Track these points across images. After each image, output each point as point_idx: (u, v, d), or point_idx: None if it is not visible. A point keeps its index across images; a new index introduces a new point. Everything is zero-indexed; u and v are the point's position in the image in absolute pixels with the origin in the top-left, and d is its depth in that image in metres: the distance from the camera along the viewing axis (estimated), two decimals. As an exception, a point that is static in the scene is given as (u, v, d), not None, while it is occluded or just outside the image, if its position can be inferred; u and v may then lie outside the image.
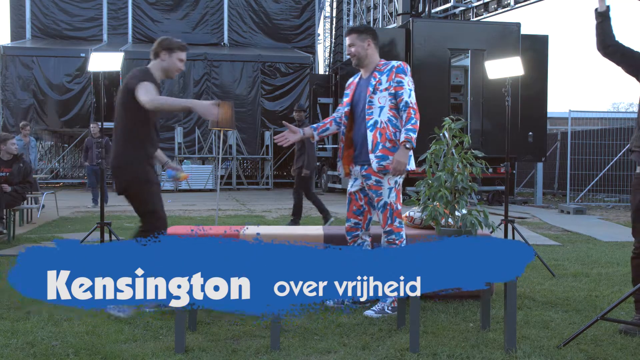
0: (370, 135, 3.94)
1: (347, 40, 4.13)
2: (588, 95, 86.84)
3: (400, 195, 4.03)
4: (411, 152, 3.98)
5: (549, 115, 14.84)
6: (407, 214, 4.89)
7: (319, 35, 25.18)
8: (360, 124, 4.05)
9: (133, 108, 3.98)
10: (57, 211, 10.91)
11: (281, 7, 21.86)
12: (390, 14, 21.46)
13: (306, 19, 22.15)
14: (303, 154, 8.73)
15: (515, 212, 11.21)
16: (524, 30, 13.62)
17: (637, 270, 3.74)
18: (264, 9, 21.69)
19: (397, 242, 3.96)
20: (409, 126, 3.86)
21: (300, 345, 3.35)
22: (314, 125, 4.27)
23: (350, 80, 4.27)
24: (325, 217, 8.71)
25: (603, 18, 3.69)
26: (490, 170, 3.66)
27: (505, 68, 5.88)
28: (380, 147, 3.92)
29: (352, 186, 4.18)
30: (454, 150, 3.74)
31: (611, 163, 14.03)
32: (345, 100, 4.21)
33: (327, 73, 24.49)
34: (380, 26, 21.34)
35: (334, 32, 26.32)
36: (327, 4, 27.00)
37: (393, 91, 3.95)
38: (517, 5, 15.93)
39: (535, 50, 13.70)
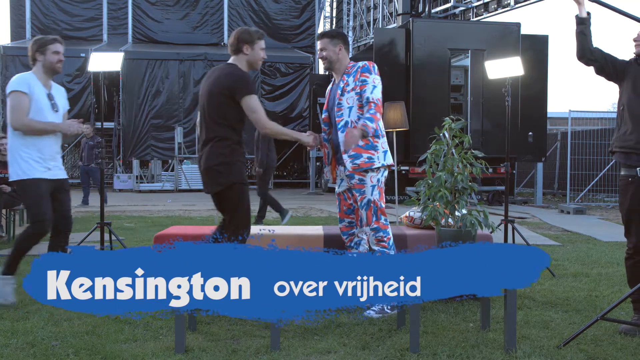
0: (342, 137, 4.01)
1: (318, 45, 4.20)
2: (588, 95, 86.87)
3: (383, 194, 4.07)
4: (387, 148, 4.03)
5: (549, 115, 14.84)
6: (407, 214, 4.89)
7: (319, 35, 25.18)
8: (335, 129, 4.13)
9: (234, 111, 3.83)
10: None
11: (281, 7, 21.85)
12: (390, 14, 21.46)
13: (306, 19, 22.15)
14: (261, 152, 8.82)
15: (515, 212, 11.21)
16: (524, 30, 13.61)
17: (631, 271, 3.76)
18: (263, 9, 21.68)
19: (385, 239, 3.98)
20: (367, 115, 3.93)
21: (300, 345, 3.35)
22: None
23: (328, 88, 4.34)
24: (281, 214, 8.92)
25: (584, 24, 3.72)
26: (490, 170, 3.66)
27: (505, 68, 5.88)
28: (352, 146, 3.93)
29: (339, 187, 4.25)
30: (454, 150, 3.74)
31: (611, 163, 14.04)
32: (324, 107, 4.31)
33: (327, 73, 24.49)
34: (380, 26, 21.34)
35: (334, 32, 26.32)
36: (327, 4, 26.99)
37: (359, 90, 4.02)
38: (517, 5, 15.92)
39: (535, 50, 13.70)
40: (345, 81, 4.09)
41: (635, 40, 3.70)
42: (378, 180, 4.02)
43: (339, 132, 4.04)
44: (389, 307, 3.97)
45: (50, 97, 4.29)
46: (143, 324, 3.72)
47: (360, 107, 4.02)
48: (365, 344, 3.38)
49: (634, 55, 3.72)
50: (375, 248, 4.01)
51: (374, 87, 4.01)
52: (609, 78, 3.78)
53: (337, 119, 4.08)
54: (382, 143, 4.06)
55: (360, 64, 4.09)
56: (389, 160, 4.07)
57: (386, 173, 4.10)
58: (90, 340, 3.42)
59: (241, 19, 21.31)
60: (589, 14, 3.74)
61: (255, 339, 3.45)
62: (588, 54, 3.71)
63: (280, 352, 3.24)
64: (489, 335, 3.56)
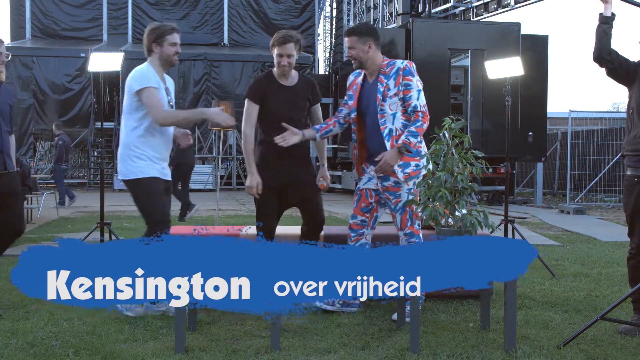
0: (388, 145, 3.83)
1: (346, 42, 3.98)
2: (588, 95, 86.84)
3: (418, 198, 3.91)
4: (417, 159, 3.85)
5: (549, 115, 14.83)
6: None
7: (318, 35, 25.17)
8: (374, 133, 3.93)
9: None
10: (57, 211, 10.91)
11: (281, 7, 21.85)
12: (390, 14, 21.45)
13: (306, 19, 22.15)
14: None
15: (515, 212, 11.21)
16: (524, 30, 13.61)
17: (633, 271, 3.76)
18: (263, 9, 21.68)
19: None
20: (412, 128, 3.77)
21: (300, 345, 3.35)
22: (317, 126, 4.14)
23: (352, 78, 4.12)
24: (186, 210, 9.02)
25: (607, 24, 3.67)
26: (490, 170, 3.65)
27: (505, 68, 5.88)
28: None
29: (365, 183, 4.04)
30: (454, 150, 3.74)
31: (611, 163, 14.04)
32: (350, 103, 4.05)
33: (327, 73, 24.47)
34: (380, 26, 21.33)
35: (334, 32, 26.29)
36: (327, 4, 26.98)
37: (402, 95, 3.83)
38: (517, 5, 15.90)
39: (535, 50, 13.70)
40: (384, 84, 3.85)
41: None
42: (414, 183, 3.88)
43: (385, 141, 3.84)
44: (340, 302, 3.96)
45: (167, 92, 4.14)
46: (143, 324, 3.72)
47: (404, 112, 3.85)
48: (365, 344, 3.38)
49: None
50: None
51: (419, 91, 3.83)
52: (620, 81, 3.75)
53: (381, 127, 3.86)
54: (424, 146, 3.94)
55: (400, 64, 3.86)
56: (409, 169, 3.91)
57: (421, 176, 3.92)
58: (90, 340, 3.42)
59: (241, 19, 21.32)
60: (613, 14, 3.69)
61: (256, 339, 3.45)
62: (606, 54, 3.67)
63: (281, 352, 3.24)
64: (489, 335, 3.56)
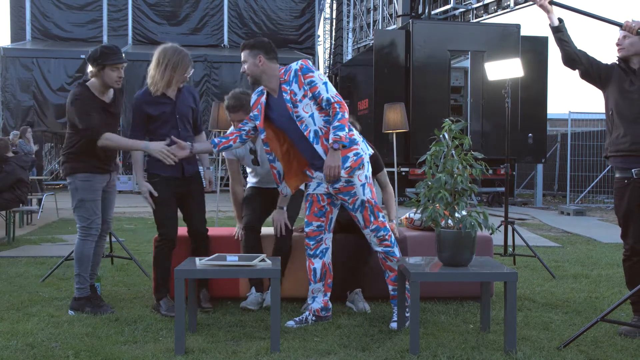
0: (319, 148, 3.71)
1: (241, 57, 3.84)
2: (588, 96, 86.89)
3: (374, 189, 3.85)
4: (361, 136, 3.83)
5: (548, 117, 14.85)
6: (406, 215, 4.89)
7: (319, 36, 25.17)
8: (302, 141, 3.77)
9: None
10: (57, 213, 10.90)
11: (281, 9, 21.84)
12: (390, 15, 21.45)
13: (306, 20, 22.15)
14: None
15: (515, 214, 11.21)
16: (523, 32, 13.63)
17: (630, 272, 3.78)
18: (264, 11, 21.68)
19: (387, 237, 3.80)
20: (335, 123, 3.61)
21: (300, 346, 3.35)
22: (215, 140, 3.91)
23: (254, 97, 3.90)
24: None
25: (560, 32, 3.75)
26: (490, 171, 3.65)
27: (505, 69, 5.88)
28: None
29: (315, 189, 3.89)
30: (454, 151, 3.74)
31: (611, 165, 14.02)
32: (257, 123, 3.83)
33: (327, 74, 24.50)
34: (380, 28, 21.34)
35: (333, 34, 26.31)
36: (327, 5, 26.99)
37: (310, 94, 3.67)
38: (516, 7, 15.90)
39: (535, 51, 13.71)
40: (288, 91, 3.69)
41: (617, 44, 3.73)
42: (366, 177, 3.78)
43: (314, 145, 3.71)
44: (312, 318, 3.88)
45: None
46: (143, 326, 3.72)
47: (320, 109, 3.71)
48: (365, 346, 3.38)
49: (617, 59, 3.76)
50: (379, 249, 3.83)
51: (325, 83, 3.67)
52: (593, 82, 3.81)
53: (305, 133, 3.69)
54: (356, 133, 3.85)
55: (295, 66, 3.71)
56: (368, 148, 3.88)
57: (370, 167, 3.85)
58: (90, 341, 3.41)
59: (241, 21, 21.32)
60: (561, 20, 3.77)
61: (255, 341, 3.45)
62: (573, 56, 3.74)
63: (281, 353, 3.24)
64: (489, 336, 3.56)
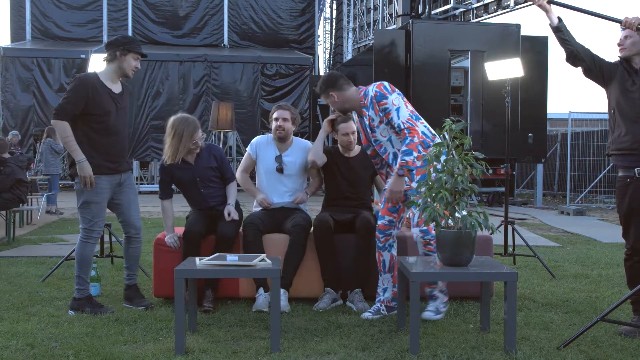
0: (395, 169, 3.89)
1: (322, 99, 4.15)
2: (588, 96, 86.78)
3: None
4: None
5: (549, 117, 14.82)
6: (407, 215, 4.88)
7: (319, 36, 25.16)
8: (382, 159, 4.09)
9: None
10: (57, 213, 10.90)
11: (281, 9, 21.83)
12: (390, 15, 21.44)
13: (306, 20, 22.14)
14: None
15: (515, 214, 11.21)
16: (524, 32, 13.61)
17: (630, 272, 3.78)
18: (264, 10, 21.67)
19: (432, 242, 3.84)
20: (403, 148, 3.80)
21: (300, 346, 3.35)
22: None
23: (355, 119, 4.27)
24: None
25: (560, 31, 3.77)
26: (490, 171, 3.66)
27: (505, 69, 5.88)
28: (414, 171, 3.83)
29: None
30: (454, 151, 3.74)
31: (611, 164, 14.01)
32: (362, 142, 4.24)
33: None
34: (380, 27, 21.33)
35: (333, 34, 26.31)
36: (327, 5, 26.98)
37: (386, 120, 3.90)
38: (516, 7, 15.89)
39: (535, 51, 13.69)
40: (367, 116, 3.95)
41: (619, 44, 3.73)
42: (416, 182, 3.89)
43: (393, 166, 3.93)
44: (384, 309, 3.97)
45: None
46: (143, 326, 3.72)
47: (397, 132, 3.89)
48: (365, 345, 3.38)
49: (619, 58, 3.76)
50: (422, 251, 3.90)
51: (397, 110, 3.86)
52: (595, 80, 3.83)
53: (383, 155, 4.01)
54: (425, 123, 4.00)
55: (371, 92, 3.91)
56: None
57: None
58: (90, 341, 3.41)
59: (241, 20, 21.32)
60: (560, 19, 3.79)
61: (256, 341, 3.45)
62: (575, 54, 3.76)
63: (280, 353, 3.24)
64: (489, 336, 3.56)
